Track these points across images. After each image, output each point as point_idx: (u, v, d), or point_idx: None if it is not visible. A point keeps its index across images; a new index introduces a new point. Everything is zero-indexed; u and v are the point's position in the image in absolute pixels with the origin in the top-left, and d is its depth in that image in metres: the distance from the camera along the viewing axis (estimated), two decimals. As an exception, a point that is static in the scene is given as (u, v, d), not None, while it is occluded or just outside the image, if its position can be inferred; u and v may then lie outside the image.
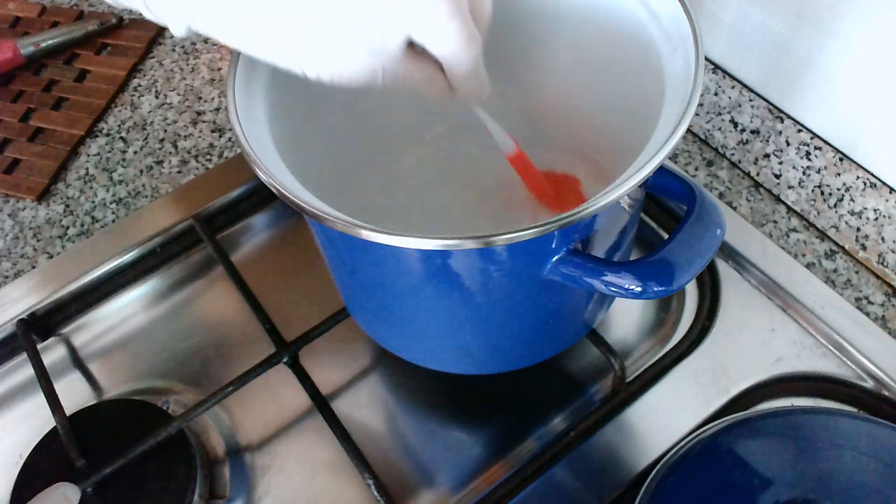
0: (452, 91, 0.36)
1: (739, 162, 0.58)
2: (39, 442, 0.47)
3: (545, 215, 0.31)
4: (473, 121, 0.42)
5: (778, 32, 0.49)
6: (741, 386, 0.47)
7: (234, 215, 0.59)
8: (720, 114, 0.57)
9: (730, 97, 0.55)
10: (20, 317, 0.53)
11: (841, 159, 0.50)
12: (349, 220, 0.32)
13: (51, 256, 0.58)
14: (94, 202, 0.61)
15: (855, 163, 0.50)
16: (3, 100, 0.67)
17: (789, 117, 0.52)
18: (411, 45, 0.32)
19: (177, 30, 0.33)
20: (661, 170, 0.35)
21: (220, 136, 0.64)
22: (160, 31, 0.72)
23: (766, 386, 0.48)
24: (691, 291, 0.52)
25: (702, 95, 0.58)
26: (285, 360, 0.49)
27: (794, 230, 0.55)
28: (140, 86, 0.69)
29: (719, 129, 0.58)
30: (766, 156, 0.55)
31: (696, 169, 0.59)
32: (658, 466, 0.42)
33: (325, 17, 0.31)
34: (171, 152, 0.63)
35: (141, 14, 0.34)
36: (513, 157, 0.44)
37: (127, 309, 0.56)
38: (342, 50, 0.32)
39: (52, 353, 0.54)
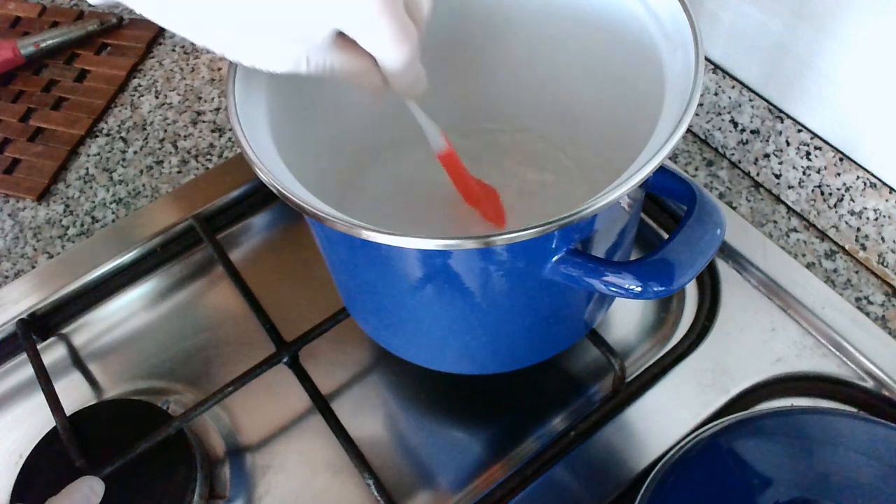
0: (385, 84, 0.35)
1: (739, 162, 0.58)
2: (39, 442, 0.47)
3: (548, 215, 0.31)
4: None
5: (778, 32, 0.49)
6: (741, 386, 0.47)
7: (234, 215, 0.59)
8: (720, 114, 0.57)
9: (730, 97, 0.55)
10: (20, 317, 0.53)
11: (841, 159, 0.50)
12: (349, 220, 0.32)
13: (51, 256, 0.58)
14: (94, 202, 0.61)
15: (855, 163, 0.50)
16: (3, 100, 0.67)
17: (789, 117, 0.52)
18: (342, 35, 0.31)
19: None
20: (661, 170, 0.35)
21: (220, 136, 0.64)
22: (160, 31, 0.72)
23: (766, 386, 0.48)
24: (691, 291, 0.52)
25: (702, 95, 0.58)
26: (285, 360, 0.49)
27: (794, 230, 0.55)
28: (140, 86, 0.69)
29: (719, 129, 0.58)
30: (766, 156, 0.55)
31: (696, 169, 0.59)
32: (658, 466, 0.42)
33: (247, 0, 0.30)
34: (171, 152, 0.63)
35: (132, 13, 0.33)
36: (442, 156, 0.43)
37: (127, 309, 0.56)
38: (262, 35, 0.31)
39: (52, 353, 0.54)
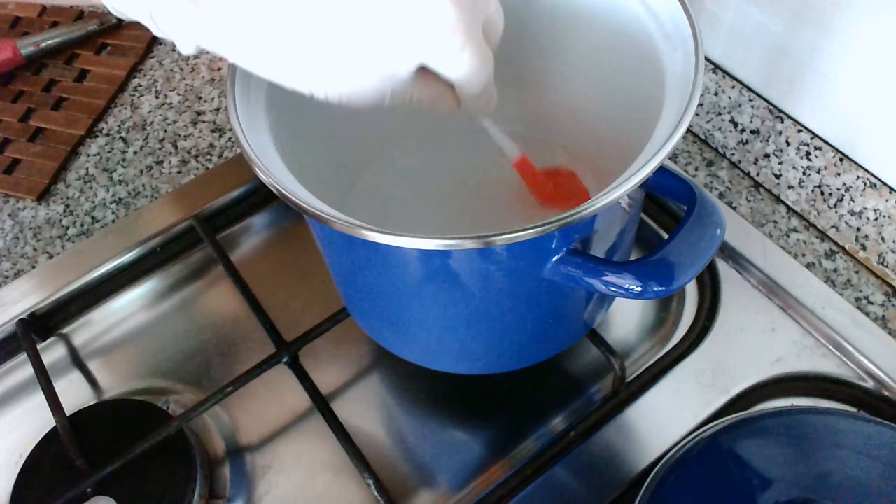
0: (460, 106, 0.36)
1: (739, 162, 0.58)
2: (39, 442, 0.47)
3: (548, 214, 0.31)
4: (476, 123, 0.42)
5: (778, 32, 0.49)
6: (741, 386, 0.47)
7: (234, 215, 0.59)
8: (720, 114, 0.57)
9: (730, 97, 0.55)
10: (20, 317, 0.53)
11: (841, 159, 0.50)
12: (349, 220, 0.32)
13: (51, 256, 0.58)
14: (94, 202, 0.61)
15: (855, 163, 0.50)
16: (3, 100, 0.67)
17: (789, 117, 0.52)
18: (423, 67, 0.32)
19: (185, 48, 0.32)
20: (661, 170, 0.35)
21: (220, 136, 0.64)
22: (160, 31, 0.72)
23: (766, 386, 0.48)
24: (691, 291, 0.52)
25: (702, 95, 0.58)
26: (285, 360, 0.49)
27: (794, 230, 0.55)
28: (140, 86, 0.69)
29: (719, 129, 0.58)
30: (766, 156, 0.55)
31: (696, 169, 0.59)
32: (658, 466, 0.42)
33: (337, 42, 0.30)
34: (171, 152, 0.63)
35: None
36: (518, 164, 0.44)
37: (127, 309, 0.56)
38: (352, 74, 0.31)
39: (52, 353, 0.54)
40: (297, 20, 0.30)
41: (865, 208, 0.50)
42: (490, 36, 0.34)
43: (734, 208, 0.56)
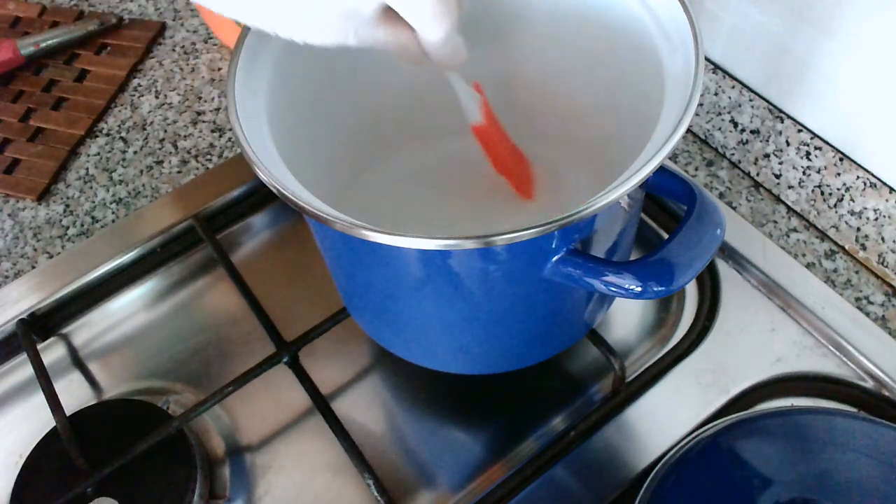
0: (425, 56, 0.36)
1: (739, 162, 0.58)
2: (39, 442, 0.47)
3: (548, 215, 0.31)
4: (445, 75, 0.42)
5: (778, 32, 0.49)
6: (741, 386, 0.47)
7: (234, 215, 0.59)
8: (720, 114, 0.57)
9: (730, 97, 0.55)
10: (20, 317, 0.53)
11: (841, 159, 0.50)
12: (349, 220, 0.32)
13: (51, 256, 0.58)
14: (94, 202, 0.61)
15: (855, 163, 0.50)
16: (3, 100, 0.67)
17: (789, 117, 0.52)
18: (388, 10, 0.33)
19: None
20: (661, 170, 0.35)
21: (220, 136, 0.64)
22: (160, 31, 0.72)
23: (766, 386, 0.48)
24: (691, 291, 0.52)
25: (702, 95, 0.58)
26: (285, 360, 0.49)
27: (794, 230, 0.55)
28: (140, 86, 0.69)
29: (719, 129, 0.58)
30: (766, 156, 0.55)
31: (696, 169, 0.59)
32: (658, 466, 0.42)
33: None
34: (171, 152, 0.63)
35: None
36: (477, 129, 0.43)
37: (127, 309, 0.56)
38: (314, 12, 0.32)
39: (52, 353, 0.54)
40: None
41: (865, 208, 0.50)
42: None
43: (734, 208, 0.56)
